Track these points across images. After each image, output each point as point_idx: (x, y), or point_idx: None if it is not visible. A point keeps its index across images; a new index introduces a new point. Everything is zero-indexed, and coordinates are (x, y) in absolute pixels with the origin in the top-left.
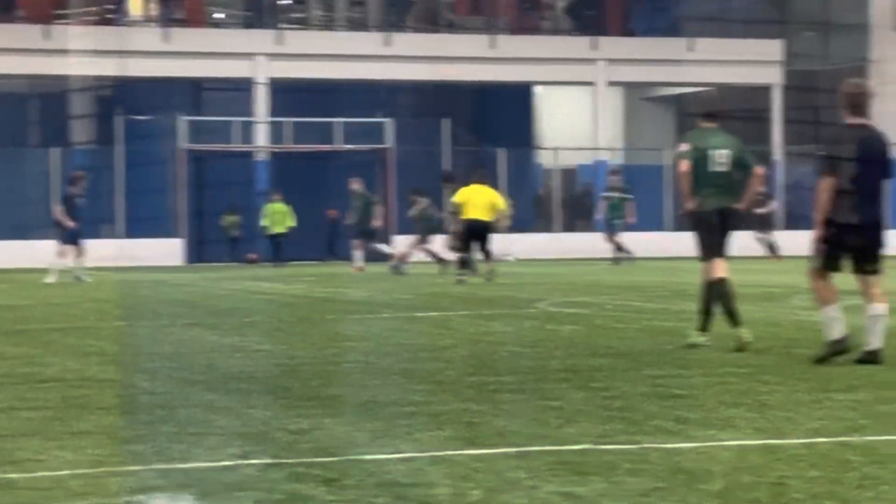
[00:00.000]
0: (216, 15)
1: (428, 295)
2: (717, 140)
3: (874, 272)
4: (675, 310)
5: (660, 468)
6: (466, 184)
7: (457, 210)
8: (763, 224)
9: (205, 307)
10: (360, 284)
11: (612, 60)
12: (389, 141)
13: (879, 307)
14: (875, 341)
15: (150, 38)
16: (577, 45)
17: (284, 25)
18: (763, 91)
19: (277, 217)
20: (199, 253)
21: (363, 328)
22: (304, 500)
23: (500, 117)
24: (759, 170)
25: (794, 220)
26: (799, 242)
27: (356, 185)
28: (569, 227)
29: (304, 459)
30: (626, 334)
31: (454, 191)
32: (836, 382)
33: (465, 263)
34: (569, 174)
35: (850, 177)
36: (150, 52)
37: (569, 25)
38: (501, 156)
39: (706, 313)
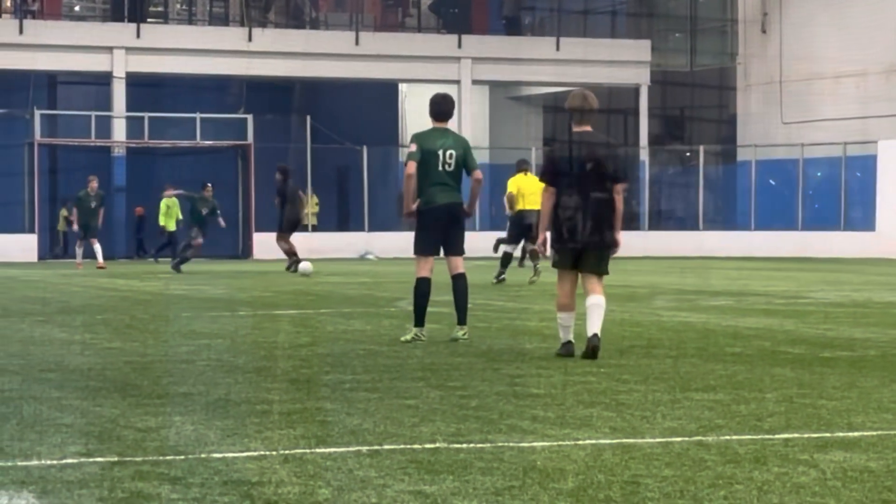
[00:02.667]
0: (76, 8)
1: (289, 293)
2: (445, 140)
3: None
4: (538, 309)
5: (513, 467)
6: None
7: (512, 201)
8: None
9: (56, 304)
10: (217, 281)
11: (477, 59)
12: (249, 137)
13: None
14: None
15: (5, 29)
16: (442, 42)
17: (144, 19)
18: (631, 91)
19: (172, 212)
20: (53, 248)
21: (219, 326)
22: (147, 499)
23: (364, 115)
24: (477, 173)
25: (657, 220)
26: (664, 242)
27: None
28: None
29: (151, 458)
30: (487, 333)
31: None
32: (696, 382)
33: (509, 260)
34: None
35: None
36: (4, 43)
37: (434, 23)
38: (365, 153)
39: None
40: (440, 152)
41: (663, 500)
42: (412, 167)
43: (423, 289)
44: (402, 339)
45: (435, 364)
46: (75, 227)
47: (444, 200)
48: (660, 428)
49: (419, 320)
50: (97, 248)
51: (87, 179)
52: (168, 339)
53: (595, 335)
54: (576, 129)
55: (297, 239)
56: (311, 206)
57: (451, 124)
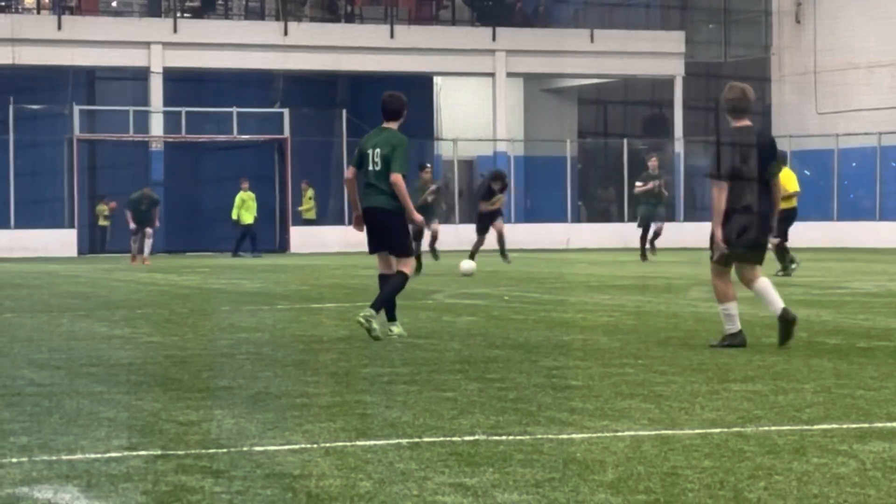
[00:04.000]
0: (113, 3)
1: (325, 286)
2: (377, 140)
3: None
4: (574, 301)
5: (552, 459)
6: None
7: None
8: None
9: (97, 299)
10: (255, 276)
11: (511, 51)
12: (286, 131)
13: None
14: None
15: (43, 25)
16: (477, 35)
17: (181, 14)
18: (665, 83)
19: (248, 206)
20: (92, 243)
21: (257, 319)
22: (191, 492)
23: None
24: (395, 176)
25: (693, 211)
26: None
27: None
28: (467, 218)
29: (193, 451)
30: (524, 326)
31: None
32: (734, 373)
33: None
34: (468, 165)
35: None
36: (43, 40)
37: (468, 16)
38: None
39: (389, 304)
40: (370, 152)
41: (703, 491)
42: (349, 172)
43: (386, 280)
44: (392, 334)
45: (473, 357)
46: (132, 225)
47: (367, 203)
48: (699, 419)
49: (388, 314)
50: (148, 242)
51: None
52: (207, 333)
53: (787, 308)
54: (736, 123)
55: (329, 233)
56: (306, 201)
57: (487, 115)
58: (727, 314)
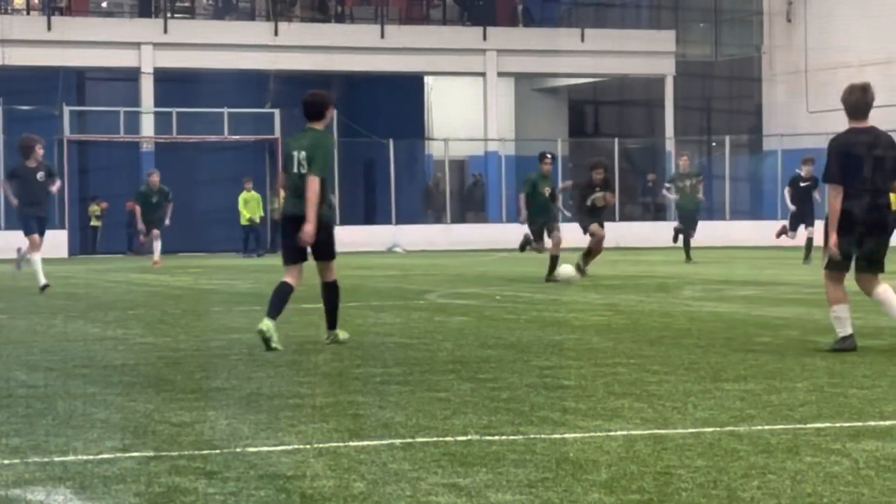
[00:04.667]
0: (103, 4)
1: (316, 287)
2: (301, 141)
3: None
4: (566, 300)
5: (546, 459)
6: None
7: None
8: None
9: (88, 300)
10: (247, 276)
11: (502, 51)
12: (277, 131)
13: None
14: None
15: (33, 26)
16: (468, 35)
17: (171, 15)
18: (656, 82)
19: (252, 205)
20: (84, 244)
21: (249, 320)
22: (185, 493)
23: (390, 108)
24: (312, 179)
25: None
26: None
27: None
28: (459, 218)
29: (186, 452)
30: (516, 325)
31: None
32: (726, 372)
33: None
34: (459, 165)
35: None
36: (33, 40)
37: (459, 15)
38: (391, 147)
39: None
40: (294, 154)
41: (696, 490)
42: (282, 177)
43: (281, 289)
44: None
45: (465, 357)
46: (140, 224)
47: (288, 210)
48: (691, 418)
49: (270, 311)
50: (157, 244)
51: (147, 173)
52: (200, 334)
53: None
54: (856, 124)
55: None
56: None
57: (477, 115)
58: (837, 317)
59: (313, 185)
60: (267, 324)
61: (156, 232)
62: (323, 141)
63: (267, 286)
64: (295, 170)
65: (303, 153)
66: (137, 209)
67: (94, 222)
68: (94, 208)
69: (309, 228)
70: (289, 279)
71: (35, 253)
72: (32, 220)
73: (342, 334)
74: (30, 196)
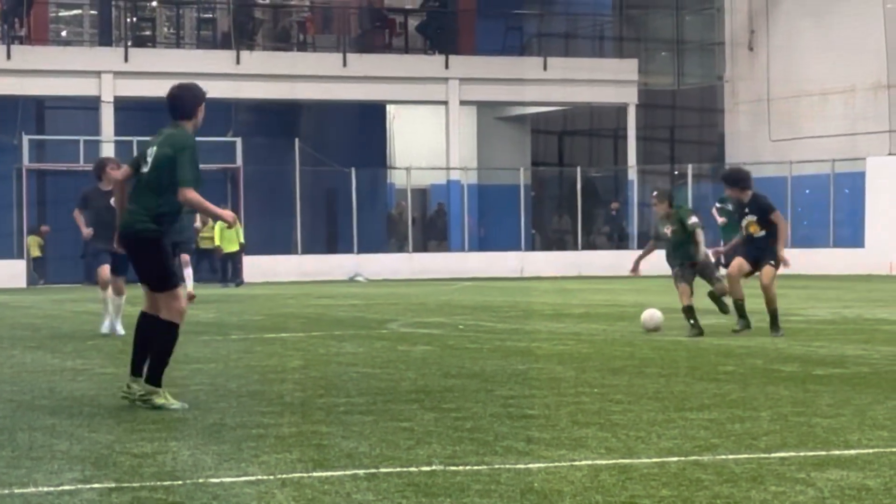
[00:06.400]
0: (63, 33)
1: (279, 316)
2: (157, 139)
3: None
4: (529, 330)
5: (510, 489)
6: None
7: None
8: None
9: (47, 329)
10: (208, 306)
11: (464, 79)
12: (238, 160)
13: None
14: None
15: None
16: (430, 63)
17: (131, 43)
18: (619, 110)
19: (227, 234)
20: (41, 274)
21: (211, 350)
22: None
23: (352, 136)
24: (184, 192)
25: (647, 239)
26: (655, 261)
27: None
28: (421, 247)
29: (148, 483)
30: (479, 355)
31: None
32: (689, 401)
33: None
34: (422, 194)
35: None
36: None
37: (421, 44)
38: (353, 175)
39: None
40: (149, 150)
41: None
42: (123, 170)
43: (139, 327)
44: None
45: (428, 386)
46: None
47: (122, 221)
48: (655, 448)
49: (133, 367)
50: (187, 271)
51: None
52: None
53: None
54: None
55: (283, 262)
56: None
57: (440, 143)
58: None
59: (184, 196)
60: (160, 399)
61: (185, 257)
62: (185, 142)
63: (229, 316)
64: (142, 169)
65: (153, 150)
66: None
67: (35, 253)
68: (33, 239)
69: (227, 215)
70: (145, 307)
71: (107, 292)
72: (104, 254)
73: (161, 399)
74: (102, 226)
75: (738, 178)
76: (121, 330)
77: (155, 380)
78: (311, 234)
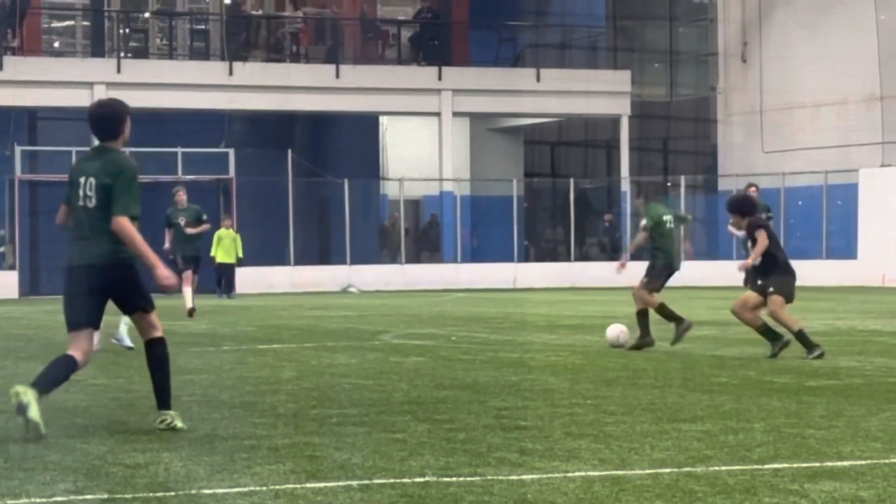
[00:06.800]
0: (55, 44)
1: (271, 327)
2: (91, 165)
3: None
4: (521, 341)
5: (503, 500)
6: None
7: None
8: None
9: (40, 340)
10: (200, 317)
11: (457, 90)
12: (231, 171)
13: None
14: None
15: None
16: (423, 74)
17: (124, 54)
18: (612, 122)
19: (225, 244)
20: (34, 285)
21: (203, 361)
22: None
23: (345, 148)
24: (117, 221)
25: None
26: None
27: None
28: (414, 258)
29: (141, 494)
30: (472, 366)
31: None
32: (682, 413)
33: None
34: (415, 205)
35: None
36: None
37: (414, 55)
38: (346, 187)
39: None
40: (81, 181)
41: None
42: (61, 213)
43: (64, 363)
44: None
45: (421, 397)
46: (171, 255)
47: (75, 260)
48: (648, 459)
49: (40, 380)
50: (187, 289)
51: (173, 192)
52: None
53: None
54: None
55: (275, 273)
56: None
57: (433, 154)
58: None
59: (125, 226)
60: (26, 390)
61: (187, 274)
62: (123, 166)
63: (221, 327)
64: (80, 203)
65: (92, 181)
66: (167, 235)
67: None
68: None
69: (160, 271)
70: (75, 351)
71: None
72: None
73: (179, 421)
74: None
75: (733, 205)
76: (128, 342)
77: (165, 401)
78: (304, 245)
